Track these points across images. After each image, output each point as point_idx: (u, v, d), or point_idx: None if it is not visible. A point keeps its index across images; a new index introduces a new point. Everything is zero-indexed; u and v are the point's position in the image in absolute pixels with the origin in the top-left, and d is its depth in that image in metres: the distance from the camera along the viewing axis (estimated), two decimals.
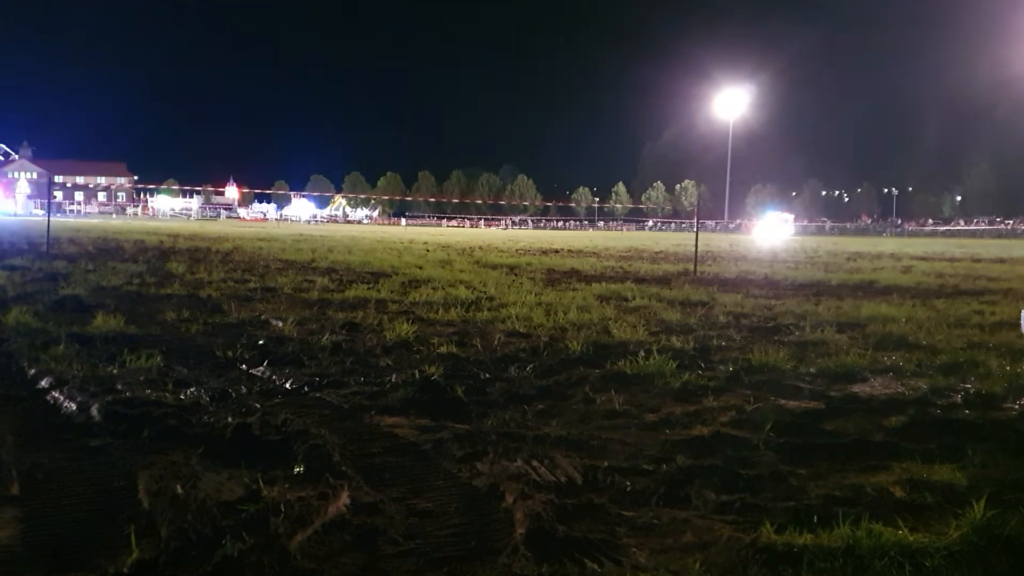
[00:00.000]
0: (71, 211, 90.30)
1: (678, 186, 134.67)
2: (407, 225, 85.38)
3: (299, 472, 3.14)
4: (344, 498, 2.82)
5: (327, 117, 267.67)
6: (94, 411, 3.85)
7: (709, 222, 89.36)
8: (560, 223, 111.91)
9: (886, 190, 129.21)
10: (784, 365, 5.41)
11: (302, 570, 2.31)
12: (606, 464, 3.30)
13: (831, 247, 34.58)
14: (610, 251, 25.31)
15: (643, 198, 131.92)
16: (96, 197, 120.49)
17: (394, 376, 4.82)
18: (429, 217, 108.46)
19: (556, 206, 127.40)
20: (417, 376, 4.73)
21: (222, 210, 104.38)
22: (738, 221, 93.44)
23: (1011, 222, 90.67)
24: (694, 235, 16.94)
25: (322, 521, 2.63)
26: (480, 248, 25.06)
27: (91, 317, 6.68)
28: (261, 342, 5.90)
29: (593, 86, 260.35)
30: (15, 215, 62.91)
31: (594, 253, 23.50)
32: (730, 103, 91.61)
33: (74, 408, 3.97)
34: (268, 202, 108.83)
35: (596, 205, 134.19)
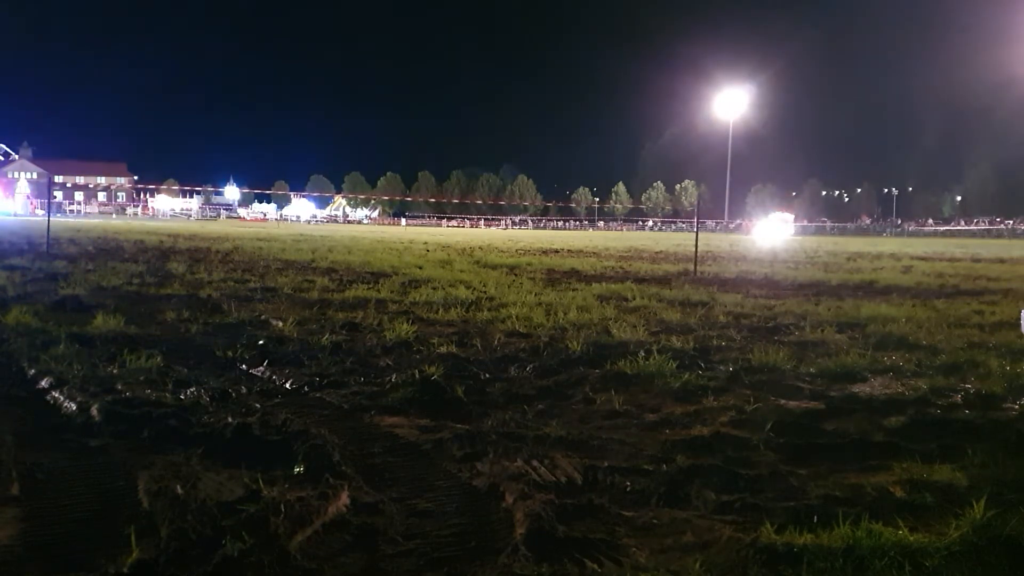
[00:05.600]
0: (71, 211, 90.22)
1: (678, 186, 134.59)
2: (407, 225, 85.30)
3: (299, 472, 3.14)
4: (344, 498, 2.82)
5: (327, 117, 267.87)
6: (94, 411, 3.85)
7: (709, 222, 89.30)
8: (560, 223, 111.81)
9: (886, 190, 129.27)
10: (784, 365, 5.41)
11: (302, 570, 2.31)
12: (606, 464, 3.30)
13: (831, 247, 34.58)
14: (610, 251, 25.31)
15: (643, 198, 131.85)
16: (96, 197, 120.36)
17: (394, 376, 4.82)
18: (429, 217, 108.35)
19: (556, 206, 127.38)
20: (417, 376, 4.73)
21: (222, 210, 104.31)
22: (738, 221, 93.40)
23: (1011, 222, 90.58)
24: (694, 235, 16.94)
25: (322, 521, 2.63)
26: (480, 248, 25.06)
27: (91, 317, 6.68)
28: (261, 342, 5.90)
29: (593, 86, 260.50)
30: (15, 215, 62.89)
31: (594, 253, 23.50)
32: (730, 103, 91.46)
33: (74, 408, 3.97)
34: (268, 202, 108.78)
35: (596, 205, 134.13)
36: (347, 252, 19.49)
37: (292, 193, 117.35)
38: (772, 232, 63.96)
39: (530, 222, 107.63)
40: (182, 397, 4.24)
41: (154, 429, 3.60)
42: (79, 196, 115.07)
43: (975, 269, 18.01)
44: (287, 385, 4.74)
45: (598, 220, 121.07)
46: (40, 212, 65.89)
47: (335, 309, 8.11)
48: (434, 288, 10.23)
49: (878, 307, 8.97)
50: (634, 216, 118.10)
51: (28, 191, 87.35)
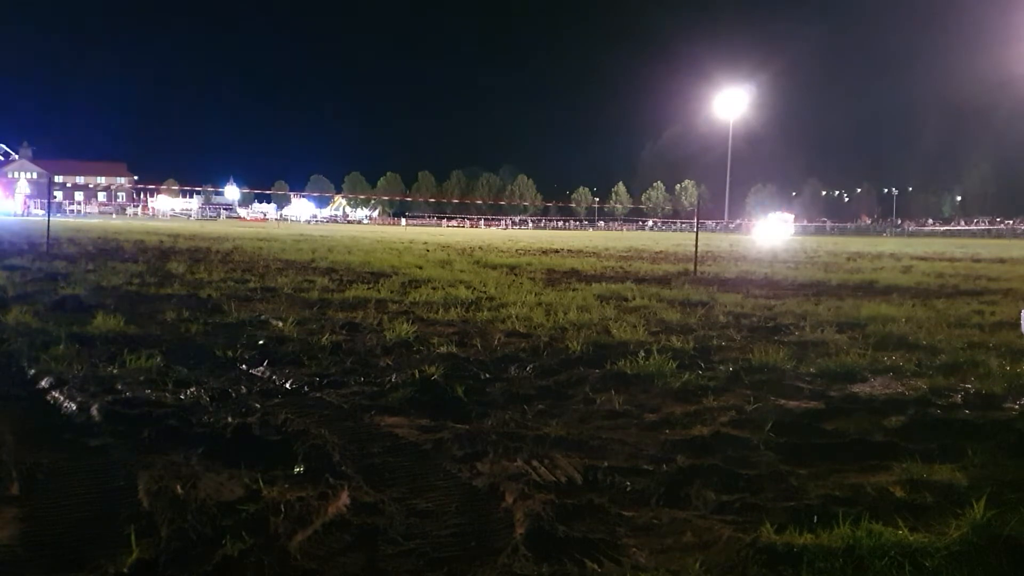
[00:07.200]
0: (71, 211, 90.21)
1: (678, 186, 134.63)
2: (407, 225, 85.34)
3: (299, 472, 3.14)
4: (344, 498, 2.82)
5: (327, 117, 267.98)
6: (94, 411, 3.85)
7: (709, 222, 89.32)
8: (560, 223, 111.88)
9: (886, 190, 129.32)
10: (784, 365, 5.41)
11: (302, 570, 2.31)
12: (606, 464, 3.30)
13: (831, 247, 34.58)
14: (610, 251, 25.30)
15: (643, 198, 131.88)
16: (96, 197, 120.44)
17: (394, 376, 4.82)
18: (429, 217, 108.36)
19: (556, 206, 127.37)
20: (417, 376, 4.73)
21: (222, 210, 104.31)
22: (738, 221, 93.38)
23: (1011, 222, 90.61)
24: (694, 235, 16.93)
25: (322, 521, 2.63)
26: (480, 248, 25.06)
27: (91, 317, 6.68)
28: (261, 342, 5.90)
29: (593, 86, 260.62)
30: (15, 215, 62.86)
31: (594, 253, 23.50)
32: (730, 103, 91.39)
33: (74, 408, 3.96)
34: (268, 202, 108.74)
35: (596, 205, 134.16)
36: (347, 252, 19.49)
37: (292, 193, 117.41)
38: (772, 232, 63.97)
39: (530, 222, 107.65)
40: (182, 397, 4.24)
41: (154, 429, 3.59)
42: (79, 196, 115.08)
43: (975, 269, 18.01)
44: (287, 385, 4.73)
45: (598, 220, 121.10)
46: (38, 212, 65.86)
47: (335, 309, 8.11)
48: (434, 288, 10.23)
49: (878, 307, 8.97)
50: (634, 216, 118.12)
51: (27, 191, 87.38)
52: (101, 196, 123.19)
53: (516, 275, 13.41)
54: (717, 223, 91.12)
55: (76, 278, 10.39)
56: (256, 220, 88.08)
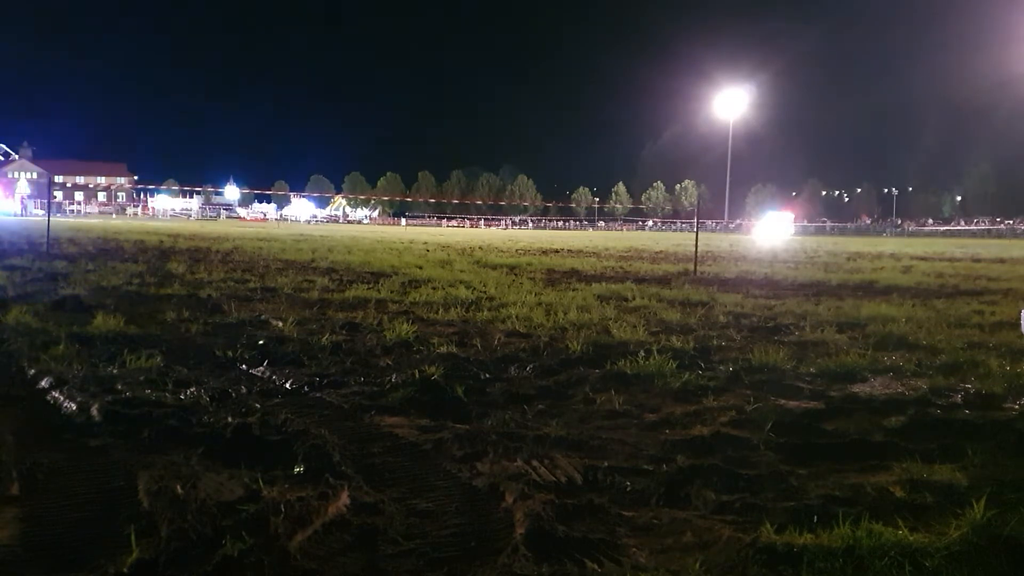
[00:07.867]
0: (71, 211, 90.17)
1: (678, 186, 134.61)
2: (407, 225, 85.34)
3: (299, 472, 3.14)
4: (344, 498, 2.82)
5: (327, 117, 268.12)
6: (94, 411, 3.85)
7: (709, 222, 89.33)
8: (560, 223, 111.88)
9: (886, 190, 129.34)
10: (784, 365, 5.41)
11: (302, 570, 2.31)
12: (606, 464, 3.30)
13: (831, 247, 34.57)
14: (610, 251, 25.30)
15: (643, 198, 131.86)
16: (96, 197, 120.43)
17: (394, 376, 4.82)
18: (429, 217, 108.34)
19: (556, 206, 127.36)
20: (417, 376, 4.73)
21: (222, 210, 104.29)
22: (738, 221, 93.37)
23: (1011, 222, 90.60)
24: (694, 235, 16.94)
25: (322, 521, 2.63)
26: (480, 248, 25.06)
27: (91, 317, 6.68)
28: (261, 342, 5.89)
29: (593, 86, 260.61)
30: (15, 215, 62.83)
31: (594, 253, 23.50)
32: (730, 103, 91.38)
33: (74, 408, 3.96)
34: (268, 202, 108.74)
35: (596, 205, 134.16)
36: (347, 252, 19.49)
37: (292, 193, 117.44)
38: (772, 232, 63.98)
39: (530, 222, 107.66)
40: (182, 397, 4.24)
41: (154, 429, 3.59)
42: (79, 196, 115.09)
43: (975, 269, 18.00)
44: (287, 385, 4.73)
45: (598, 220, 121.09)
46: (38, 212, 65.85)
47: (335, 309, 8.11)
48: (434, 288, 10.23)
49: (878, 307, 8.97)
50: (634, 216, 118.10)
51: (27, 191, 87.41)
52: (101, 196, 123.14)
53: (516, 275, 13.41)
54: (717, 223, 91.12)
55: (76, 278, 10.39)
56: (256, 220, 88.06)
